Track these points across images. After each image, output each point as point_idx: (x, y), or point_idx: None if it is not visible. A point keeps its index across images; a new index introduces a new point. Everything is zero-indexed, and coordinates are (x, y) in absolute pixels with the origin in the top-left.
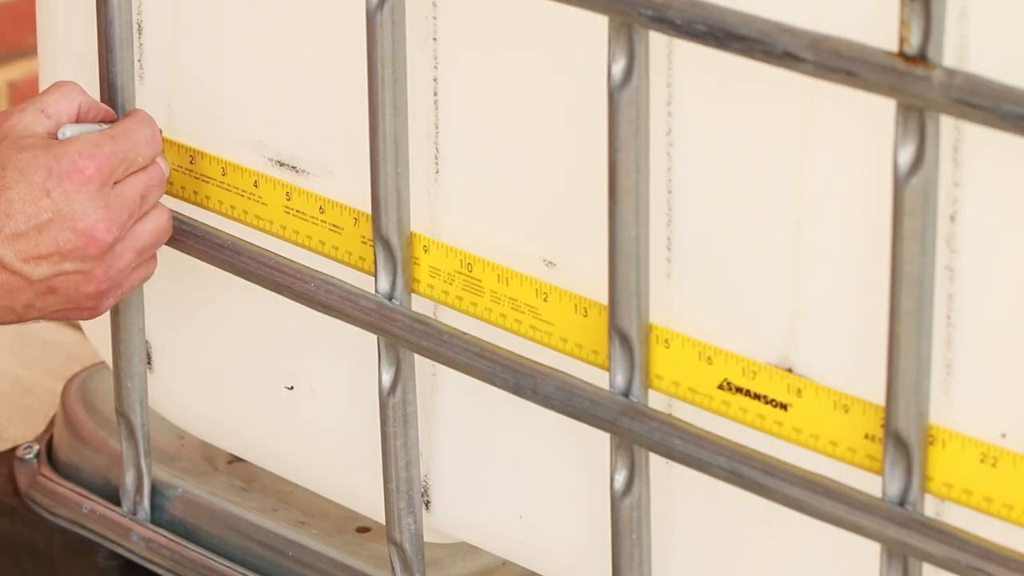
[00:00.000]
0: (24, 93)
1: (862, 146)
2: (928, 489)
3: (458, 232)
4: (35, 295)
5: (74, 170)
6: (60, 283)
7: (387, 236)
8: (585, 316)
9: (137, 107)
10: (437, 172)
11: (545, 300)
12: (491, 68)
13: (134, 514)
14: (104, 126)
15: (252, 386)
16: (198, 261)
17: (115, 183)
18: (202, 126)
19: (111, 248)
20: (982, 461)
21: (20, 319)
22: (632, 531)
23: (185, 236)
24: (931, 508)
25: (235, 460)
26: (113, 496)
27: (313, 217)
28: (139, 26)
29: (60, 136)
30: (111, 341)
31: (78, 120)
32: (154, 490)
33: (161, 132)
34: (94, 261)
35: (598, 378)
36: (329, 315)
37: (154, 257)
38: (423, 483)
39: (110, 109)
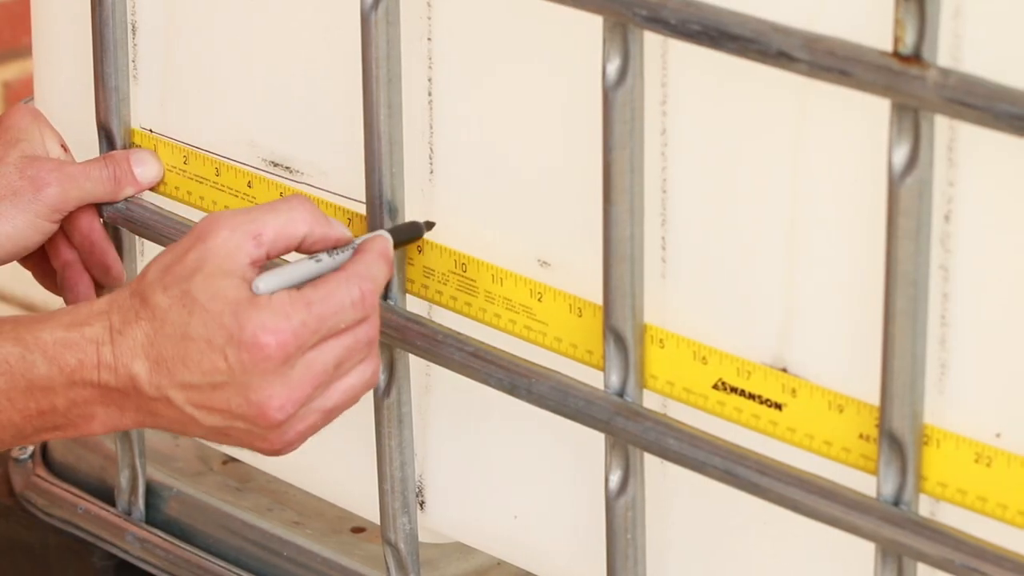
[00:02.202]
0: (19, 93)
1: (857, 146)
2: (923, 489)
3: (452, 232)
4: (208, 433)
5: (255, 345)
6: (232, 432)
7: None
8: (580, 316)
9: (376, 237)
10: (432, 172)
11: (539, 300)
12: (486, 68)
13: (129, 514)
14: (321, 256)
15: None
16: None
17: (309, 348)
18: (196, 126)
19: (284, 423)
20: (976, 461)
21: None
22: (627, 531)
23: (177, 235)
24: (926, 508)
25: (230, 460)
26: (108, 496)
27: None
28: (134, 26)
29: (254, 288)
30: None
31: (300, 248)
32: (149, 490)
33: (381, 283)
34: (266, 429)
35: (593, 378)
36: None
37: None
38: (418, 483)
39: (344, 233)
